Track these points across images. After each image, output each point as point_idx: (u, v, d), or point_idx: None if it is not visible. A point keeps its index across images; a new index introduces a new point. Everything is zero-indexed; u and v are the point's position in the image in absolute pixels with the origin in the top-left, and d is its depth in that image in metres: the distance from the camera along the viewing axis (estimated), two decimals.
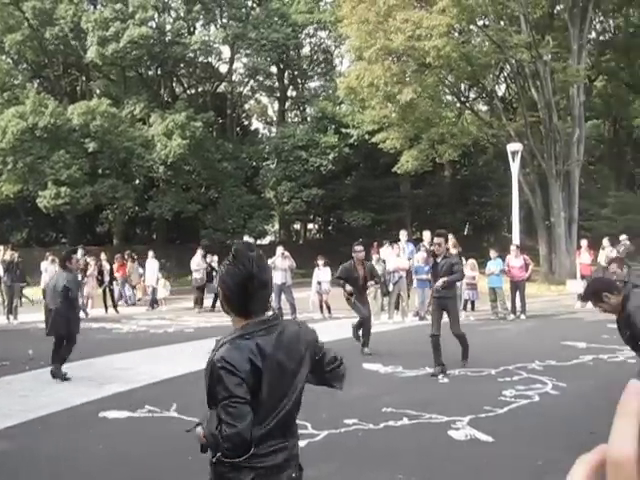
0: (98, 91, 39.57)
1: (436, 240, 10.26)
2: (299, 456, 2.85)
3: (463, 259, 16.99)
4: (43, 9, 33.46)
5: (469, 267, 16.76)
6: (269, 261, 17.86)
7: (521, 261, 16.97)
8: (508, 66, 30.42)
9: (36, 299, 18.97)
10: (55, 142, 31.65)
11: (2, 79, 32.79)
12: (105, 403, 8.35)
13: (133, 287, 22.76)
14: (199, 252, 21.21)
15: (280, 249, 17.63)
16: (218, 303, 13.97)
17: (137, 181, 36.21)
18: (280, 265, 17.09)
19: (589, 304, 18.16)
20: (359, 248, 12.23)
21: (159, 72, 38.68)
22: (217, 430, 2.56)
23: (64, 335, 9.71)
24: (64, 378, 9.47)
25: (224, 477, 2.67)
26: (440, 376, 9.42)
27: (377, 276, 12.75)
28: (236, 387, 2.56)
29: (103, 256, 21.24)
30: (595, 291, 5.65)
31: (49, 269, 18.62)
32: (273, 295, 17.81)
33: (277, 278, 16.97)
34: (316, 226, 50.09)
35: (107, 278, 20.43)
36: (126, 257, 22.49)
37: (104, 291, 20.32)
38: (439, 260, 10.02)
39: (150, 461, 6.18)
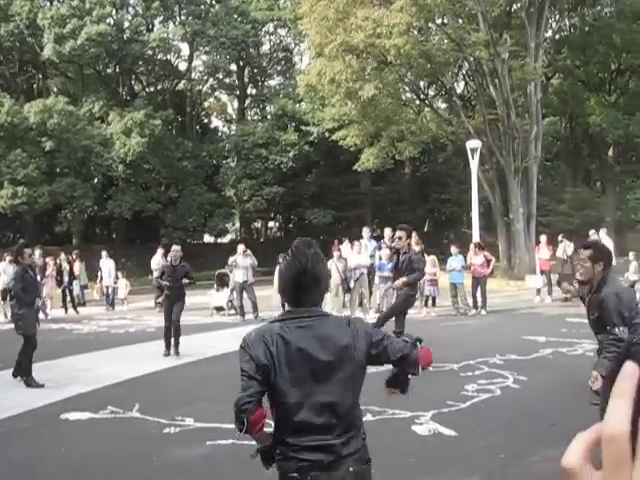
0: (55, 89, 38.98)
1: (398, 233, 9.93)
2: (361, 451, 3.09)
3: (426, 255, 17.19)
4: None
5: (430, 263, 16.86)
6: (229, 259, 17.83)
7: (482, 258, 17.19)
8: (467, 64, 30.71)
9: None
10: (12, 141, 31.08)
11: None
12: (67, 405, 8.25)
13: (84, 287, 22.55)
14: (159, 251, 21.04)
15: (241, 247, 17.57)
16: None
17: (96, 180, 35.78)
18: (241, 263, 17.06)
19: (547, 299, 18.50)
20: (175, 247, 12.47)
21: (117, 70, 38.28)
22: None
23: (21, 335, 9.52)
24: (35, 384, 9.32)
25: (278, 466, 2.88)
26: None
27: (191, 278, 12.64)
28: (245, 363, 2.83)
29: (62, 256, 20.97)
30: (599, 253, 5.48)
31: (7, 270, 18.30)
32: (235, 293, 17.82)
33: (238, 276, 16.98)
34: (277, 224, 50.04)
35: (66, 278, 20.17)
36: (74, 257, 22.16)
37: (63, 291, 20.06)
38: (401, 256, 9.79)
39: (113, 462, 6.13)
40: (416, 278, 10.02)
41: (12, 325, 12.15)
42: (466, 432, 6.63)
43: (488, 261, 17.42)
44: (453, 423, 6.87)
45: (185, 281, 11.72)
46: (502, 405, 7.68)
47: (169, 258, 12.64)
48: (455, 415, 7.25)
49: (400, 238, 9.85)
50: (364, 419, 7.13)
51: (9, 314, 17.63)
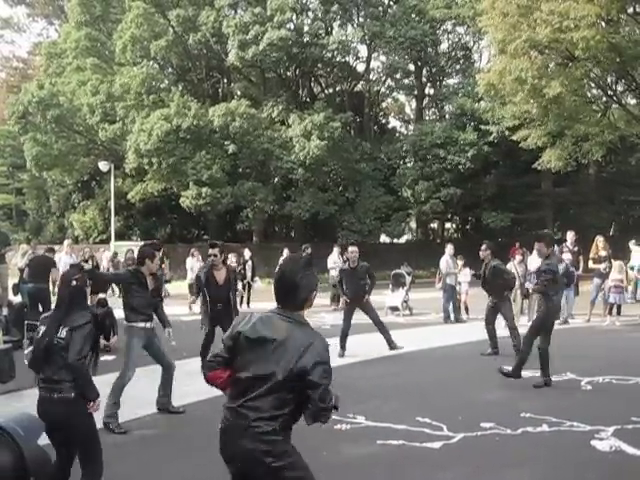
0: (239, 92, 40.73)
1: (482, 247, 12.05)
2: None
3: (613, 261, 16.25)
4: (186, 16, 34.85)
5: (616, 269, 15.94)
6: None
7: None
8: None
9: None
10: (197, 143, 32.81)
11: (149, 83, 34.32)
12: None
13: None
14: (335, 250, 21.44)
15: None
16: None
17: (275, 180, 36.97)
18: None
19: None
20: (352, 249, 12.15)
21: (297, 73, 39.33)
22: None
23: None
24: None
25: None
26: (583, 383, 8.98)
27: (372, 277, 12.11)
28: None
29: (247, 252, 21.80)
30: None
31: (194, 266, 19.44)
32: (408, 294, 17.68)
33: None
34: (454, 225, 49.34)
35: (249, 274, 20.98)
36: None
37: (244, 286, 20.84)
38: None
39: None
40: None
41: (196, 317, 12.73)
42: None
43: None
44: (638, 441, 6.40)
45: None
46: None
47: (346, 259, 12.56)
48: None
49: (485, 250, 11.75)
50: (539, 429, 6.84)
51: (194, 307, 18.77)
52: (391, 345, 11.89)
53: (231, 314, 9.10)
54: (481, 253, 11.87)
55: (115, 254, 24.00)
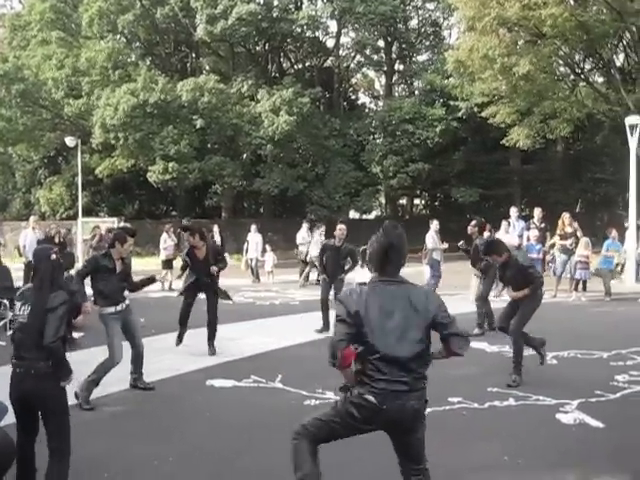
0: (207, 67, 40.30)
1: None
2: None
3: (580, 236, 16.46)
4: None
5: (582, 245, 16.18)
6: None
7: None
8: (628, 34, 28.89)
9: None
10: (165, 118, 32.43)
11: (115, 58, 33.78)
12: (213, 372, 8.59)
13: None
14: (304, 226, 21.45)
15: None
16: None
17: (244, 156, 36.76)
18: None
19: None
20: (340, 226, 12.14)
21: (266, 48, 38.99)
22: None
23: None
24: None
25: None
26: (548, 357, 9.13)
27: (354, 260, 12.21)
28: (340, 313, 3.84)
29: (216, 228, 21.64)
30: None
31: (167, 241, 19.33)
32: None
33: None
34: (422, 201, 49.57)
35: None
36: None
37: None
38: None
39: (254, 429, 6.30)
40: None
41: (167, 293, 12.67)
42: (615, 425, 6.31)
43: None
44: (601, 414, 6.54)
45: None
46: None
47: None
48: (604, 406, 6.91)
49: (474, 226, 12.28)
50: (505, 403, 6.98)
51: (166, 284, 18.71)
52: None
53: (214, 285, 9.92)
54: (469, 228, 12.16)
55: (68, 231, 23.49)
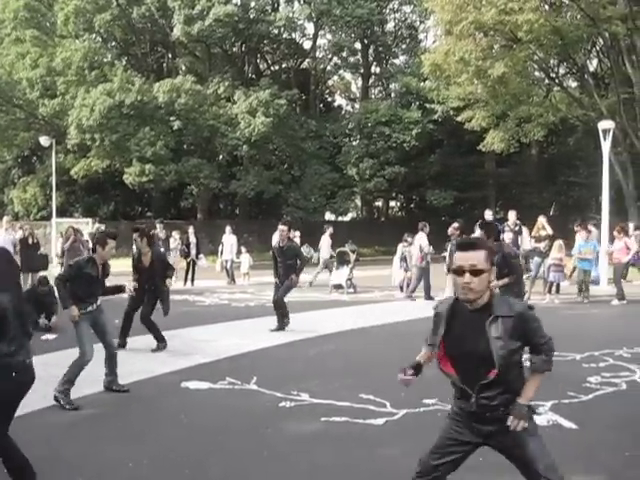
0: (184, 68, 40.17)
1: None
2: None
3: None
4: None
5: (556, 248, 16.32)
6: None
7: (622, 243, 16.30)
8: (601, 40, 29.28)
9: None
10: (141, 119, 32.27)
11: (91, 57, 33.55)
12: (188, 374, 8.52)
13: None
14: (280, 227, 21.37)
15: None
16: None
17: (220, 157, 36.65)
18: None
19: None
20: (281, 227, 12.11)
21: (243, 49, 38.96)
22: None
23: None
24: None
25: None
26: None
27: (301, 259, 12.17)
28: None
29: (191, 230, 21.53)
30: None
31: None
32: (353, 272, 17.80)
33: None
34: (398, 204, 49.76)
35: (194, 251, 20.77)
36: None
37: (188, 264, 20.65)
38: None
39: (229, 432, 6.28)
40: None
41: None
42: (588, 426, 6.36)
43: (629, 248, 16.41)
44: (574, 415, 6.59)
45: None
46: (628, 400, 7.29)
47: (276, 239, 12.48)
48: (576, 407, 6.96)
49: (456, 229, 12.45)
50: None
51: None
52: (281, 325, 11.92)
53: (154, 297, 9.75)
54: (450, 230, 12.27)
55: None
